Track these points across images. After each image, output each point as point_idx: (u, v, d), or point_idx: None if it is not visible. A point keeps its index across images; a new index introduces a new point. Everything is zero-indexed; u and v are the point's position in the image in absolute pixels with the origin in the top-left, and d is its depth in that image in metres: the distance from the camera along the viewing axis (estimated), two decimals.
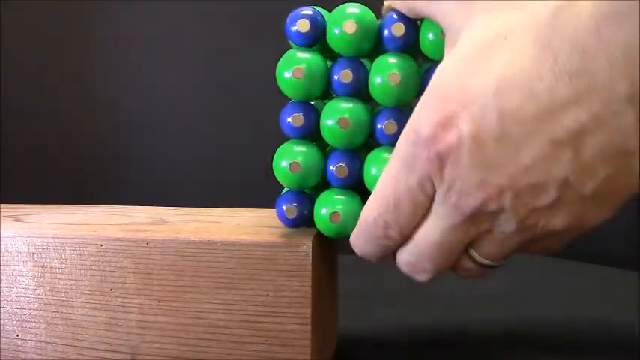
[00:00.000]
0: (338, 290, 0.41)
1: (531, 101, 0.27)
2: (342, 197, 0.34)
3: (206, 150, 0.76)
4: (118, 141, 0.77)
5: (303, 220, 0.35)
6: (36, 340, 0.37)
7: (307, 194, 0.36)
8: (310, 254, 0.34)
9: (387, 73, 0.33)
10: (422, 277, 0.33)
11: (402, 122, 0.32)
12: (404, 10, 0.33)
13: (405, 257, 0.32)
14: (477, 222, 0.30)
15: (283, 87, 0.35)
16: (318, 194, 0.35)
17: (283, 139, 0.36)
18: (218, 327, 0.35)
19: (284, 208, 0.35)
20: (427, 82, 0.30)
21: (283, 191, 0.36)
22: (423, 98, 0.30)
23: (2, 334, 0.37)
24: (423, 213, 0.31)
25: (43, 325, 0.37)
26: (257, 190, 0.54)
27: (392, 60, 0.33)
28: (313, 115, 0.35)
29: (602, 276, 0.56)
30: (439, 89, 0.29)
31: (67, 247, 0.36)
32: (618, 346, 0.40)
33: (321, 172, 0.35)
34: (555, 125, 0.27)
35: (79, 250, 0.36)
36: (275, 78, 0.35)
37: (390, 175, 0.31)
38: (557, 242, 0.32)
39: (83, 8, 0.75)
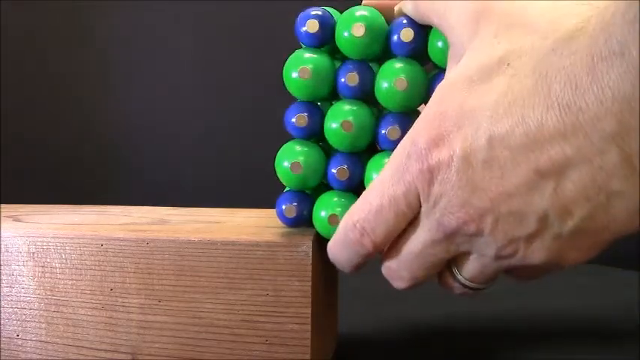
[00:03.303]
0: (338, 290, 0.41)
1: (521, 129, 0.27)
2: (341, 200, 0.34)
3: (206, 150, 0.76)
4: (118, 141, 0.77)
5: (303, 220, 0.35)
6: (36, 340, 0.37)
7: (308, 194, 0.36)
8: (310, 254, 0.34)
9: (393, 78, 0.33)
10: (398, 284, 0.33)
11: (405, 128, 0.31)
12: (413, 16, 0.33)
13: (385, 262, 0.33)
14: (457, 241, 0.30)
15: (290, 87, 0.35)
16: (319, 195, 0.35)
17: (284, 139, 0.36)
18: (218, 327, 0.35)
19: (284, 207, 0.35)
20: (434, 90, 0.30)
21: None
22: (423, 112, 0.30)
23: (2, 334, 0.37)
24: (402, 226, 0.31)
25: (43, 325, 0.37)
26: (257, 190, 0.54)
27: (399, 65, 0.33)
28: (318, 116, 0.35)
29: (602, 276, 0.56)
30: (439, 105, 0.29)
31: (67, 247, 0.36)
32: (618, 346, 0.40)
33: (322, 173, 0.35)
34: (541, 155, 0.27)
35: (80, 250, 0.36)
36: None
37: (379, 181, 0.31)
38: (538, 274, 0.32)
39: (83, 8, 0.75)
